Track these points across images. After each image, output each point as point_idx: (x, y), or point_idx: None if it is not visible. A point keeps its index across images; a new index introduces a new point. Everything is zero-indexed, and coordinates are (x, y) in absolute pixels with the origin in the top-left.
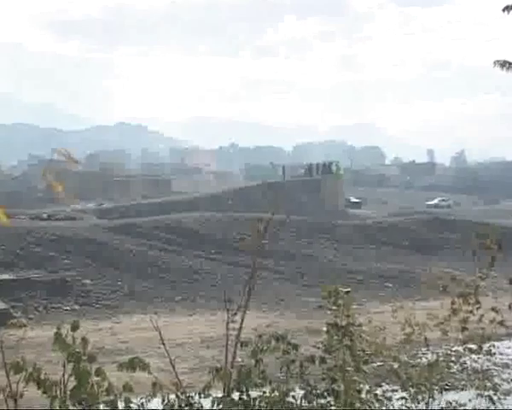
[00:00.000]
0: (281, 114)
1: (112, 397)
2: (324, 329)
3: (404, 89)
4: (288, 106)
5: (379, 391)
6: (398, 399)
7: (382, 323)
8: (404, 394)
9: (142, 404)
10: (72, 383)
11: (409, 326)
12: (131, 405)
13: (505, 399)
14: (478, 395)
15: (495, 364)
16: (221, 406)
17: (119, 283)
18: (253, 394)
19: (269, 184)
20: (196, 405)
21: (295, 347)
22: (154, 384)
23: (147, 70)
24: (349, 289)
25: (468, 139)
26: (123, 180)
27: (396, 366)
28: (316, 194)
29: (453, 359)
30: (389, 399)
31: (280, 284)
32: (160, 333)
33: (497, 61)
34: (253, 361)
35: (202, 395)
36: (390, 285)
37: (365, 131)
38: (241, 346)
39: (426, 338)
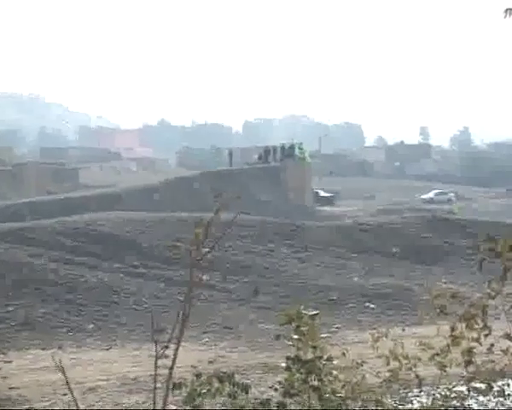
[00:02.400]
0: (227, 81)
1: None
2: (284, 365)
3: (387, 40)
4: (237, 70)
5: None
6: None
7: (362, 356)
8: None
9: None
10: None
11: (395, 360)
12: None
13: None
14: None
15: (509, 408)
16: None
17: (10, 308)
18: None
19: (212, 173)
20: None
21: (245, 388)
22: None
23: (37, 19)
24: (317, 312)
25: (474, 114)
26: (13, 170)
27: None
28: (274, 186)
29: (455, 402)
30: None
31: (228, 307)
32: (64, 374)
33: (510, 9)
34: (189, 408)
35: None
36: (374, 306)
37: (338, 102)
38: (174, 389)
39: (418, 376)
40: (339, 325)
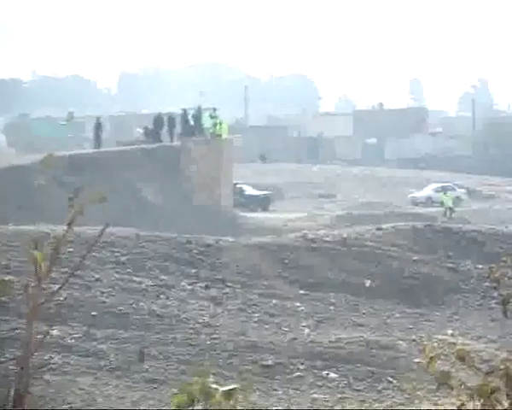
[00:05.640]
0: (92, 17)
1: None
2: None
3: None
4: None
5: None
6: None
7: None
8: None
9: None
10: None
11: None
12: None
13: None
14: None
15: None
16: None
17: None
18: None
19: (66, 158)
20: None
21: None
22: None
23: None
24: (236, 386)
25: (489, 66)
26: None
27: None
28: (170, 179)
29: None
30: None
31: (95, 381)
32: None
33: None
34: None
35: None
36: (335, 376)
37: (281, 48)
38: None
39: None
40: (279, 407)
